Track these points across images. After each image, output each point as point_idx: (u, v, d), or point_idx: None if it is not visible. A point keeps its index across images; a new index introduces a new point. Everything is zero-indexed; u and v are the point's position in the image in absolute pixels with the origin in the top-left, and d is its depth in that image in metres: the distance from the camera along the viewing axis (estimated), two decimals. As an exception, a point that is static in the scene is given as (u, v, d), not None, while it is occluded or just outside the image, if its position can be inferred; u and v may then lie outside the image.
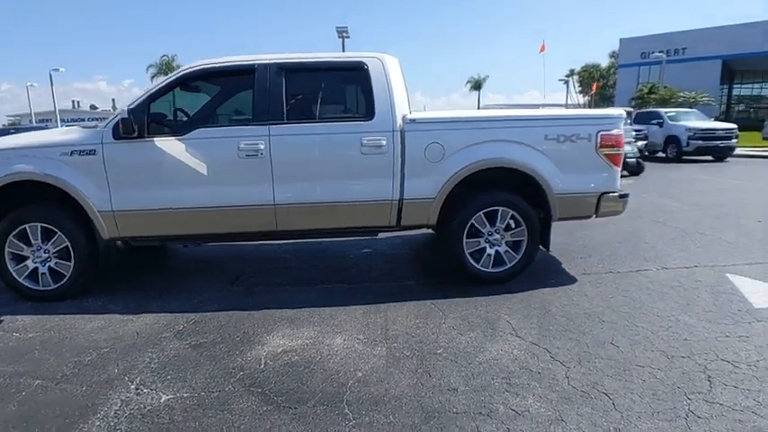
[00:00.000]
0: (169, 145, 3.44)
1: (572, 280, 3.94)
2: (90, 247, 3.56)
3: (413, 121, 3.60)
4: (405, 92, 3.74)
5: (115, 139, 3.41)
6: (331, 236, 4.09)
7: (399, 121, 3.57)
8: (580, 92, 45.20)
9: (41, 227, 3.49)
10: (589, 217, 3.95)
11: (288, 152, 3.52)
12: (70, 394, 2.45)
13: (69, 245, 3.52)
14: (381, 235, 4.41)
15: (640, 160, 11.05)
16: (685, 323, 3.07)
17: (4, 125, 31.89)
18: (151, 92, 3.48)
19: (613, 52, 42.88)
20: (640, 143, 13.14)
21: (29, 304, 3.56)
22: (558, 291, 3.69)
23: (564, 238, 5.20)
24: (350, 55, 3.67)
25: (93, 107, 66.24)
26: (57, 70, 34.82)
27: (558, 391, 2.36)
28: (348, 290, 3.83)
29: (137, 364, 2.73)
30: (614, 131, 3.77)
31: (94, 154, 3.43)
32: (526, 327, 3.07)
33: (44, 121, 33.11)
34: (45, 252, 3.55)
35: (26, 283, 3.57)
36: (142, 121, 3.39)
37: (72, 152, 3.43)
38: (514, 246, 3.85)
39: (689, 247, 4.78)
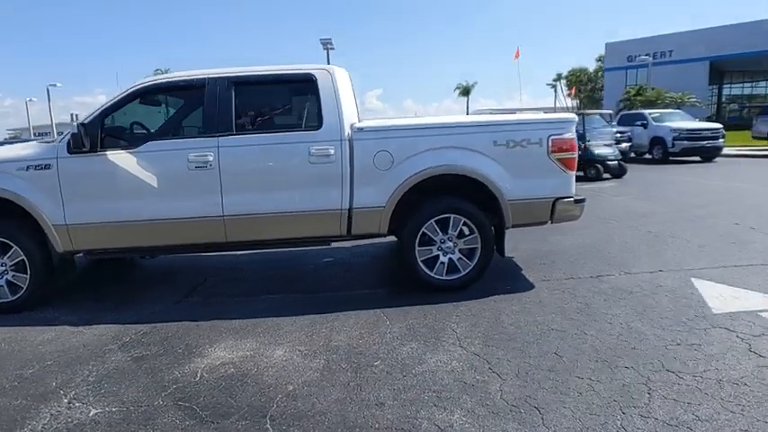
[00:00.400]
0: (121, 158, 3.37)
1: (529, 287, 3.82)
2: (45, 260, 3.50)
3: (360, 129, 3.51)
4: (353, 102, 3.67)
5: (69, 153, 3.34)
6: (283, 246, 3.99)
7: (347, 130, 3.49)
8: (569, 95, 44.83)
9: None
10: (545, 223, 3.83)
11: (236, 163, 3.44)
12: (3, 408, 2.38)
13: (25, 258, 3.45)
14: (346, 243, 4.31)
15: (622, 162, 10.89)
16: (637, 330, 2.93)
17: (5, 138, 32.42)
18: (104, 107, 3.42)
19: (600, 56, 42.39)
20: (624, 145, 12.99)
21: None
22: (513, 298, 3.57)
23: (532, 244, 5.09)
24: (299, 67, 3.59)
25: (86, 120, 66.59)
26: (54, 85, 35.38)
27: (487, 405, 2.24)
28: (301, 300, 3.74)
29: (75, 377, 2.65)
30: (566, 135, 3.66)
31: (49, 168, 3.37)
32: (471, 336, 2.95)
33: (42, 135, 33.35)
34: (2, 265, 3.49)
35: (-4, 295, 3.52)
36: (95, 136, 3.32)
37: (28, 167, 3.37)
38: (468, 253, 3.74)
39: (657, 252, 4.63)
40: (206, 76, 3.49)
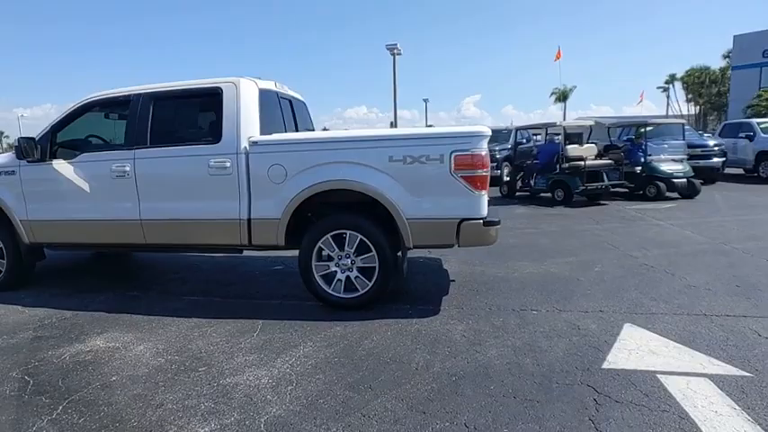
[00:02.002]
0: (62, 167, 4.00)
1: (432, 313, 3.63)
2: (16, 249, 4.26)
3: (255, 143, 3.68)
4: (256, 114, 3.78)
5: (28, 162, 4.06)
6: (197, 251, 4.30)
7: (244, 144, 3.68)
8: (689, 100, 37.99)
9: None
10: (451, 245, 3.61)
11: (149, 174, 3.86)
12: None
13: (2, 246, 4.25)
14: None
15: (694, 180, 9.42)
16: (483, 377, 2.63)
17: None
18: (53, 123, 4.09)
19: (728, 52, 35.32)
20: (716, 160, 11.26)
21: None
22: (400, 324, 3.43)
23: (490, 268, 4.80)
24: (209, 81, 3.86)
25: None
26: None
27: (246, 425, 2.26)
28: (216, 303, 4.03)
29: None
30: (472, 151, 3.42)
31: (14, 174, 4.13)
32: (310, 358, 2.93)
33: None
34: (-14, 253, 4.34)
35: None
36: (45, 148, 3.99)
37: (1, 172, 4.17)
38: (366, 272, 3.68)
39: (622, 290, 4.06)
40: (131, 92, 3.98)
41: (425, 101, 57.69)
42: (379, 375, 2.68)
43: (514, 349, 2.96)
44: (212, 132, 3.74)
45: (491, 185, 11.24)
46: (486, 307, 3.74)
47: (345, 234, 3.64)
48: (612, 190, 10.44)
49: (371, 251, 3.62)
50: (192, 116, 3.97)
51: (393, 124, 34.14)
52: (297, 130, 4.68)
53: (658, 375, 2.53)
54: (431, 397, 2.43)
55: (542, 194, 10.37)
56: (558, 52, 23.80)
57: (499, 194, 11.43)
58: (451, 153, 3.43)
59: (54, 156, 4.03)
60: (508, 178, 11.61)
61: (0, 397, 2.56)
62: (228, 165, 3.68)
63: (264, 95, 4.01)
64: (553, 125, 10.93)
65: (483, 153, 3.46)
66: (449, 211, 3.51)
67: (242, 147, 3.67)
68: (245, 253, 4.13)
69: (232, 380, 2.68)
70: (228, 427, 2.22)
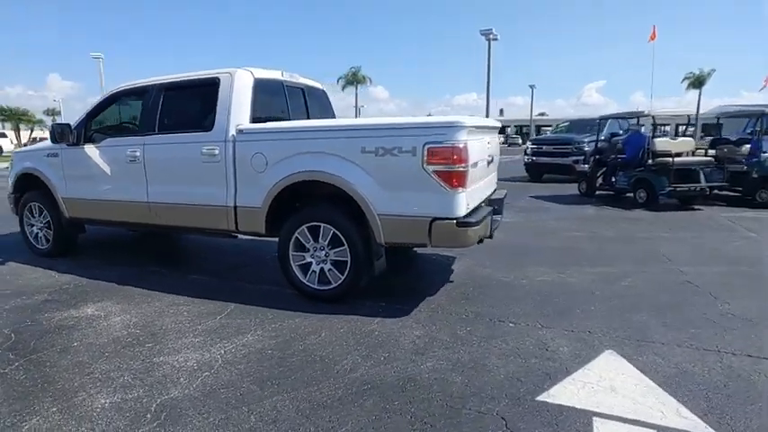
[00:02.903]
0: (91, 151, 4.51)
1: (402, 313, 3.48)
2: (60, 221, 4.93)
3: (241, 131, 3.79)
4: (247, 104, 3.87)
5: (67, 146, 4.66)
6: (200, 234, 4.52)
7: (232, 132, 3.81)
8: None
9: (36, 205, 5.02)
10: (424, 245, 3.40)
11: (154, 159, 4.19)
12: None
13: (50, 219, 4.96)
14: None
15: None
16: (396, 393, 2.48)
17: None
18: (89, 111, 4.62)
19: None
20: None
21: (29, 256, 5.15)
22: (361, 322, 3.34)
23: (505, 272, 4.45)
24: (211, 72, 4.05)
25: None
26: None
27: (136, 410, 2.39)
28: (213, 284, 4.26)
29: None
30: (446, 144, 3.17)
31: (57, 156, 4.76)
32: (243, 347, 2.98)
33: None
34: (39, 222, 5.09)
35: (35, 243, 5.19)
36: (80, 133, 4.55)
37: (48, 154, 4.84)
38: (339, 266, 3.63)
39: (635, 309, 3.52)
40: (148, 83, 4.34)
41: (532, 87, 54.94)
42: (296, 373, 2.64)
43: (455, 364, 2.71)
44: (207, 121, 3.92)
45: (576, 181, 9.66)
46: (464, 314, 3.47)
47: (320, 226, 3.63)
48: (716, 193, 8.99)
49: (344, 245, 3.56)
50: (193, 105, 4.20)
51: (486, 112, 33.11)
52: (309, 119, 4.74)
53: (594, 418, 2.14)
54: (327, 403, 2.33)
55: (627, 195, 9.27)
56: (653, 32, 20.87)
57: (577, 192, 10.47)
58: (424, 145, 3.21)
59: (87, 140, 4.57)
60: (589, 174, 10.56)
61: (-14, 348, 3.02)
62: (217, 152, 3.85)
63: (262, 85, 4.11)
64: (641, 114, 9.67)
65: (459, 146, 3.18)
66: (420, 208, 3.31)
67: (230, 135, 3.81)
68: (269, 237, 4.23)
69: (164, 359, 2.83)
70: (126, 402, 2.36)
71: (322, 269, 3.70)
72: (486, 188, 4.14)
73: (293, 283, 3.79)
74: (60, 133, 4.50)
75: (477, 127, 3.60)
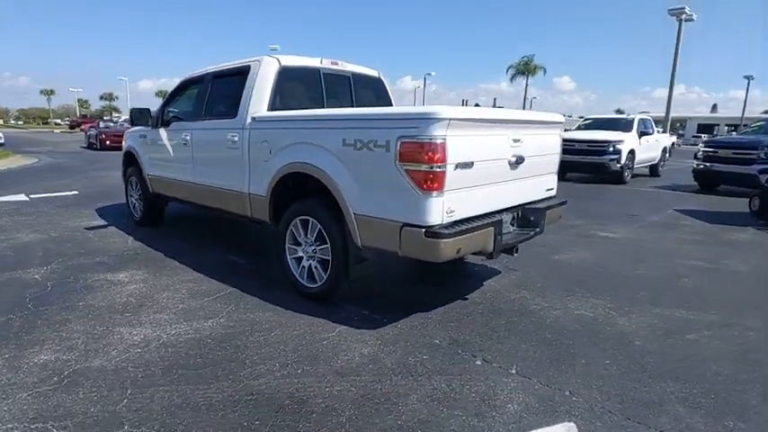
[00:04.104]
0: (163, 134, 5.15)
1: (376, 325, 3.18)
2: (147, 195, 5.76)
3: (254, 119, 3.86)
4: (268, 91, 3.90)
5: (151, 128, 5.40)
6: (236, 218, 4.67)
7: (249, 120, 3.92)
8: None
9: (134, 179, 5.95)
10: (396, 253, 3.02)
11: (198, 143, 4.60)
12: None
13: (142, 192, 5.84)
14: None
15: None
16: (263, 410, 2.26)
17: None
18: (165, 98, 5.27)
19: None
20: None
21: (127, 223, 6.12)
22: (323, 327, 3.17)
23: (541, 300, 3.76)
24: (247, 59, 4.18)
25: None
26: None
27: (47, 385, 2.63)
28: (239, 265, 4.53)
29: (63, 256, 4.61)
30: (419, 139, 2.75)
31: (145, 137, 5.56)
32: (192, 332, 3.08)
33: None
34: (136, 194, 6.00)
35: (133, 212, 6.17)
36: (158, 117, 5.23)
37: (141, 135, 5.68)
38: (323, 264, 3.48)
39: (660, 375, 2.60)
40: (204, 72, 4.73)
41: (748, 78, 45.98)
42: (207, 368, 2.61)
43: (367, 394, 2.37)
44: (234, 108, 4.11)
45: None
46: (438, 338, 3.01)
47: (309, 221, 3.53)
48: None
49: (327, 243, 3.41)
50: (229, 92, 4.33)
51: (667, 107, 28.29)
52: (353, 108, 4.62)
53: None
54: (198, 405, 2.26)
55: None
56: None
57: (748, 210, 8.23)
58: (397, 140, 2.85)
59: (163, 124, 5.23)
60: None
61: (26, 290, 3.69)
62: (237, 139, 4.02)
63: (289, 72, 4.12)
64: None
65: (435, 142, 2.72)
66: (392, 211, 2.95)
67: (247, 122, 3.94)
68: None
69: (124, 330, 3.08)
70: (56, 362, 2.64)
71: (310, 266, 3.60)
72: (514, 194, 3.51)
73: (287, 276, 3.78)
74: (138, 117, 5.25)
75: (484, 120, 3.06)
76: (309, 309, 3.45)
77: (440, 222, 2.84)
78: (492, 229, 3.12)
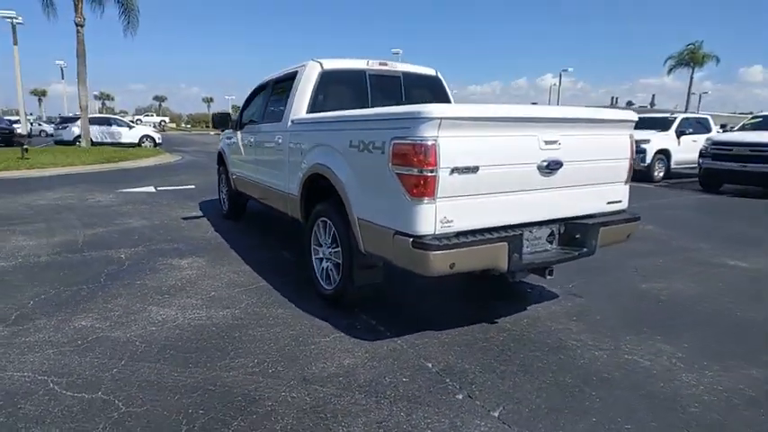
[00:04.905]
0: (239, 136, 5.64)
1: (374, 338, 3.05)
2: (231, 191, 6.36)
3: (293, 122, 4.00)
4: (308, 94, 4.04)
5: (233, 131, 5.95)
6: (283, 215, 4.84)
7: (289, 122, 4.08)
8: None
9: (223, 177, 6.62)
10: (390, 261, 2.85)
11: (258, 145, 4.96)
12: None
13: (227, 188, 6.47)
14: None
15: None
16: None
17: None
18: (243, 103, 5.76)
19: None
20: None
21: (217, 216, 6.82)
22: (306, 331, 3.16)
23: (588, 340, 3.26)
24: (297, 65, 4.35)
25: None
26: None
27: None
28: (285, 262, 4.74)
29: (151, 240, 5.30)
30: (408, 140, 2.56)
31: (231, 139, 6.13)
32: (191, 319, 3.28)
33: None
34: (224, 189, 6.65)
35: (222, 206, 6.88)
36: (237, 121, 5.75)
37: (227, 137, 6.30)
38: (336, 267, 3.46)
39: None
40: (269, 78, 5.05)
41: None
42: (161, 362, 2.75)
43: (315, 407, 2.27)
44: (282, 111, 4.33)
45: None
46: (434, 362, 2.76)
47: (327, 222, 3.54)
48: None
49: (339, 246, 3.38)
50: (281, 97, 4.57)
51: None
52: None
53: None
54: (152, 383, 2.41)
55: None
56: None
57: None
58: (391, 141, 2.70)
59: (240, 127, 5.73)
60: None
61: (107, 266, 4.34)
62: (281, 141, 4.24)
63: (331, 76, 4.23)
64: None
65: (426, 143, 2.51)
66: (387, 217, 2.81)
67: (288, 125, 4.13)
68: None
69: (152, 308, 3.44)
70: (85, 329, 3.06)
71: (327, 267, 3.61)
72: (550, 205, 3.06)
73: (311, 276, 3.84)
74: (219, 121, 5.84)
75: (492, 118, 2.72)
76: (320, 311, 3.45)
77: (431, 232, 2.60)
78: (505, 244, 2.76)
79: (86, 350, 2.80)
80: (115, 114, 31.51)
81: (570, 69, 46.61)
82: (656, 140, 12.27)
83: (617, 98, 53.11)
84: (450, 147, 2.54)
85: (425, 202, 2.57)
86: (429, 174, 2.53)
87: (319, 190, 3.73)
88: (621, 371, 2.72)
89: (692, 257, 5.16)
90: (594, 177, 3.25)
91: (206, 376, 2.55)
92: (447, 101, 4.92)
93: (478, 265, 2.76)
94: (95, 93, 76.60)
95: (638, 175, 11.33)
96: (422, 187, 2.55)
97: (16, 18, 19.80)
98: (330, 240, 3.52)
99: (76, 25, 18.71)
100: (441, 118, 2.49)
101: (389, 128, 2.72)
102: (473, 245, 2.65)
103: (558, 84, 43.22)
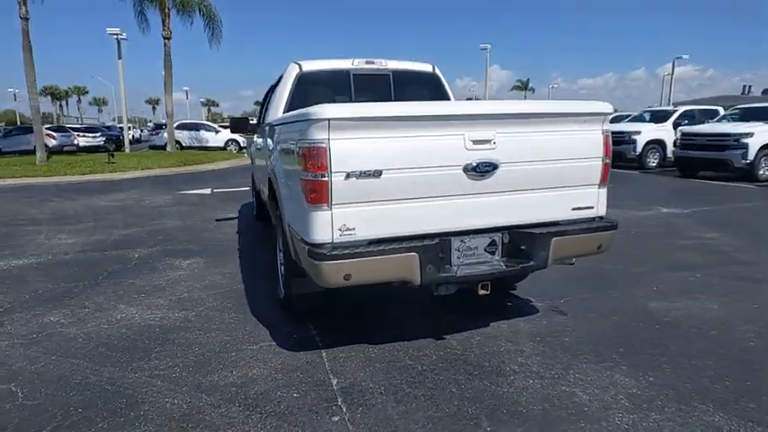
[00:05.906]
0: (254, 138, 5.87)
1: (309, 348, 2.99)
2: (255, 193, 6.64)
3: (269, 125, 4.11)
4: (284, 96, 4.14)
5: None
6: None
7: (267, 126, 4.17)
8: None
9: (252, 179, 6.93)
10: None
11: (256, 146, 5.17)
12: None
13: (257, 193, 6.76)
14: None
15: None
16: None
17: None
18: (260, 107, 5.96)
19: None
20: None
21: (250, 218, 7.16)
22: (252, 332, 3.19)
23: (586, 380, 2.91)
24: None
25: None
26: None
27: None
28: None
29: (171, 241, 5.70)
30: (303, 144, 2.48)
31: (254, 142, 6.40)
32: (159, 317, 3.47)
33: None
34: (252, 192, 6.98)
35: (254, 209, 7.19)
36: (254, 125, 5.98)
37: (254, 140, 6.57)
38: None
39: None
40: (273, 83, 5.19)
41: None
42: (117, 351, 2.96)
43: (183, 416, 2.29)
44: (266, 114, 4.47)
45: None
46: (341, 379, 2.64)
47: (278, 227, 3.55)
48: None
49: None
50: (271, 99, 4.66)
51: None
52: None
53: None
54: (68, 378, 2.59)
55: None
56: None
57: None
58: (297, 143, 2.62)
59: (253, 131, 5.96)
60: None
61: (115, 265, 4.78)
62: (261, 144, 4.39)
63: (309, 77, 4.24)
64: None
65: (312, 147, 2.41)
66: (297, 224, 2.76)
67: (266, 129, 4.24)
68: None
69: (122, 306, 3.71)
70: (51, 324, 3.39)
71: (281, 272, 3.61)
72: (487, 212, 2.75)
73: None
74: (236, 125, 6.09)
75: (394, 118, 2.51)
76: (270, 318, 3.47)
77: (328, 241, 2.49)
78: (415, 255, 2.54)
79: (33, 344, 3.11)
80: (205, 121, 34.71)
81: (686, 57, 41.78)
82: (762, 134, 10.72)
83: (750, 87, 46.43)
84: (344, 149, 2.41)
85: (322, 208, 2.47)
86: (321, 178, 2.42)
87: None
88: (544, 405, 2.37)
89: (741, 274, 4.34)
90: (552, 180, 2.87)
91: (112, 375, 2.69)
92: (447, 96, 4.67)
93: (382, 277, 2.58)
94: (201, 99, 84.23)
95: (740, 173, 10.74)
96: (317, 193, 2.45)
97: (120, 34, 22.45)
98: (281, 245, 3.52)
99: (163, 38, 20.89)
100: (330, 119, 2.37)
101: (297, 130, 2.65)
102: (372, 255, 2.48)
103: (670, 73, 38.80)
